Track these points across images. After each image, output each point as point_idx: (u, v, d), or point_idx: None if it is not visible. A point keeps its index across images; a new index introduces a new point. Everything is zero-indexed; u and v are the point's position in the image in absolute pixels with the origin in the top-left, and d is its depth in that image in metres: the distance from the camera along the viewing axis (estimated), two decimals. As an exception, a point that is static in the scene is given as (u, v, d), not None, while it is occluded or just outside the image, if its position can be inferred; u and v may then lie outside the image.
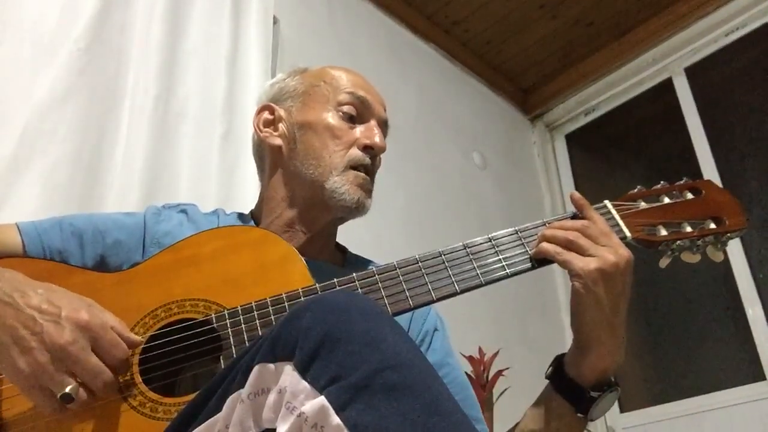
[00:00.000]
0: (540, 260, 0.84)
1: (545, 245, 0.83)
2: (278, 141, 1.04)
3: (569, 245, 0.81)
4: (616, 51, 3.12)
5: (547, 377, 0.87)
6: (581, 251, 0.80)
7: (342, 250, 1.13)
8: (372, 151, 1.02)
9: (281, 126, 1.05)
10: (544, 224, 0.88)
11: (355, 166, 1.00)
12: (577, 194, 0.88)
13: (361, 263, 1.10)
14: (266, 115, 1.08)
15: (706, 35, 2.88)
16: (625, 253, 0.81)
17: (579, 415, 0.83)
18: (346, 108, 1.03)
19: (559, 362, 0.86)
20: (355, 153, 1.00)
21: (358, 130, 1.02)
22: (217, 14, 1.89)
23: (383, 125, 1.07)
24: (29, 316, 0.70)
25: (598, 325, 0.81)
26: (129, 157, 1.54)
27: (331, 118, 1.02)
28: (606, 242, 0.81)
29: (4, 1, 1.48)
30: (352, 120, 1.03)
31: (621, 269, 0.80)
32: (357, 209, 0.99)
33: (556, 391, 0.85)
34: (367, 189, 1.01)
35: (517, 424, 0.90)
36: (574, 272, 0.80)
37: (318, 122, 1.02)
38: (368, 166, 1.01)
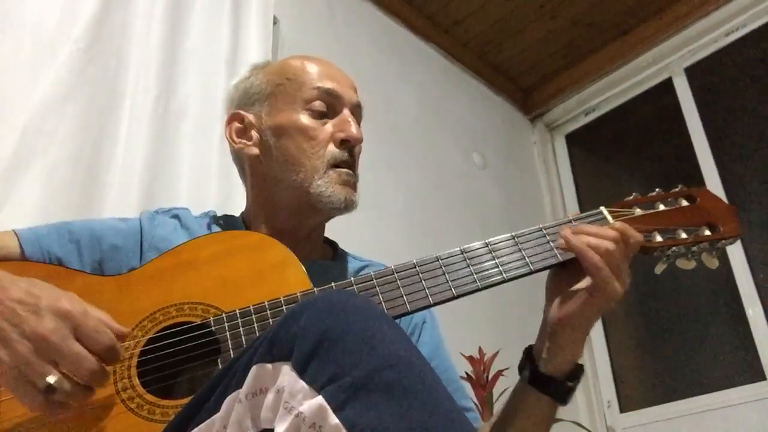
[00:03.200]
0: (541, 265, 0.86)
1: (593, 256, 0.82)
2: (255, 150, 1.02)
3: (610, 262, 0.81)
4: (616, 51, 3.12)
5: (524, 377, 0.89)
6: (616, 272, 0.82)
7: (331, 244, 1.13)
8: (349, 144, 1.00)
9: (254, 133, 1.03)
10: (540, 230, 0.89)
11: (335, 164, 0.98)
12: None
13: (353, 258, 1.10)
14: (236, 124, 1.05)
15: (706, 35, 2.88)
16: (628, 282, 0.84)
17: (558, 404, 0.87)
18: (316, 104, 1.00)
19: (529, 357, 0.89)
20: (333, 151, 0.98)
21: (332, 124, 1.00)
22: (217, 14, 1.89)
23: (356, 110, 1.04)
24: (9, 309, 0.69)
25: (583, 331, 0.86)
26: (129, 157, 1.54)
27: (303, 118, 0.99)
28: (625, 268, 0.84)
29: (4, 1, 1.48)
30: (324, 115, 1.01)
31: (622, 297, 0.84)
32: (346, 208, 0.98)
33: (532, 385, 0.88)
34: (352, 184, 1.00)
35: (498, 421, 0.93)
36: (607, 295, 0.82)
37: (290, 125, 0.99)
38: (348, 160, 1.00)
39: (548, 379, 0.86)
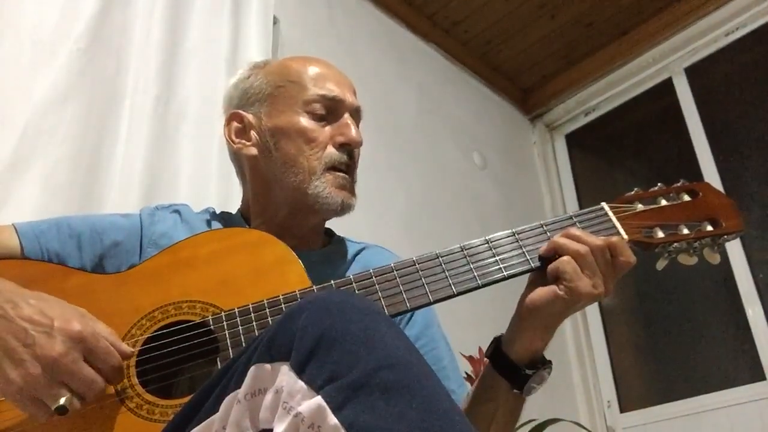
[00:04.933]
0: (540, 262, 0.86)
1: (562, 260, 0.83)
2: (254, 150, 1.02)
3: (578, 258, 0.82)
4: (616, 51, 3.12)
5: (487, 356, 0.90)
6: (585, 267, 0.82)
7: (327, 232, 1.13)
8: (349, 147, 1.01)
9: (253, 134, 1.03)
10: (541, 226, 0.89)
11: (333, 167, 0.99)
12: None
13: (350, 241, 1.11)
14: (236, 124, 1.05)
15: (706, 35, 2.88)
16: (610, 288, 0.85)
17: (515, 391, 0.87)
18: (316, 107, 1.00)
19: (497, 343, 0.90)
20: (332, 153, 0.99)
21: (332, 128, 1.01)
22: (217, 14, 1.89)
23: (356, 114, 1.05)
24: (21, 328, 0.70)
25: (546, 322, 0.86)
26: (129, 157, 1.55)
27: (303, 120, 1.00)
28: (605, 271, 0.84)
29: (4, 1, 1.48)
30: (324, 118, 1.01)
31: (596, 300, 0.85)
32: (342, 210, 0.99)
33: (496, 369, 0.88)
34: (350, 188, 1.00)
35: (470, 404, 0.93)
36: (572, 289, 0.82)
37: (289, 127, 1.00)
38: (347, 163, 1.00)
39: (506, 360, 0.87)
